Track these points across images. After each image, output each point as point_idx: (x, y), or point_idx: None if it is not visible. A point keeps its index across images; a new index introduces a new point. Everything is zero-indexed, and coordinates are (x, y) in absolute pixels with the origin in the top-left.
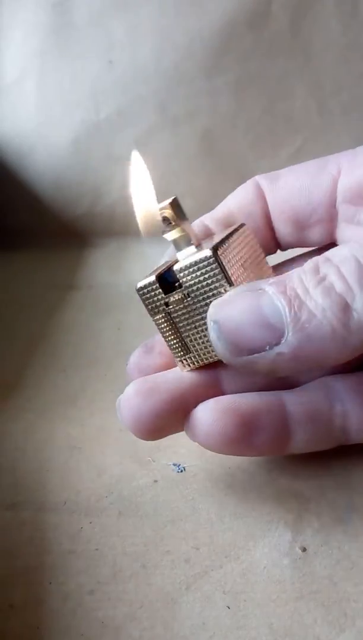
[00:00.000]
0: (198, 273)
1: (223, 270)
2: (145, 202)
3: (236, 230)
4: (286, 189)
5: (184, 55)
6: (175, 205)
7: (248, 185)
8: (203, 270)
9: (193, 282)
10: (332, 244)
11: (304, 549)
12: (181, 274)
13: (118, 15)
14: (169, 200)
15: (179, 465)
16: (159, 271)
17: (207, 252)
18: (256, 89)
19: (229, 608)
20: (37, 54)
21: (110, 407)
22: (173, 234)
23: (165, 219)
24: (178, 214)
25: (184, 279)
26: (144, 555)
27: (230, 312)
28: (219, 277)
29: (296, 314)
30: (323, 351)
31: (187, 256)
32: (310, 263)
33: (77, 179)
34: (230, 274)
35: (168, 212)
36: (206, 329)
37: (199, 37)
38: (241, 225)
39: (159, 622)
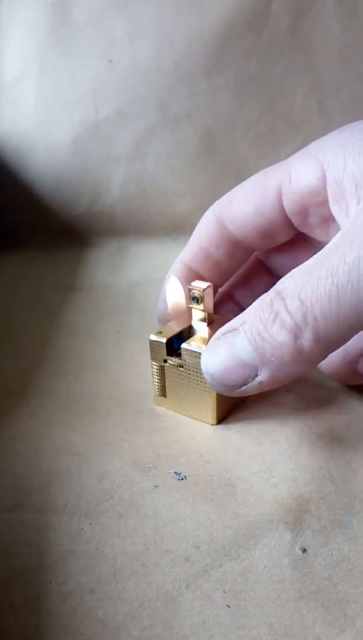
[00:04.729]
0: (195, 359)
1: None
2: (176, 297)
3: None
4: (243, 215)
5: (184, 54)
6: (209, 291)
7: (209, 219)
8: (196, 357)
9: (190, 361)
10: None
11: (304, 550)
12: (185, 353)
13: (118, 14)
14: (205, 286)
15: (180, 474)
16: (171, 335)
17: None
18: (256, 89)
19: (229, 607)
20: (36, 53)
21: (110, 414)
22: (196, 311)
23: (194, 297)
24: (206, 298)
25: (184, 356)
26: (144, 554)
27: (215, 363)
28: None
29: (262, 352)
30: (292, 371)
31: (197, 336)
32: (266, 298)
33: (77, 178)
34: None
35: (199, 293)
36: (183, 392)
37: (200, 36)
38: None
39: (159, 621)
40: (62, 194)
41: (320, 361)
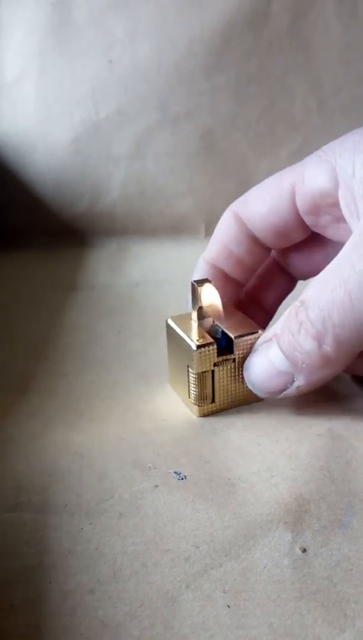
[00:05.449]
0: (248, 346)
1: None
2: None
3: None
4: (259, 214)
5: (184, 54)
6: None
7: (229, 218)
8: (250, 343)
9: (244, 349)
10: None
11: (304, 550)
12: (241, 344)
13: (118, 14)
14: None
15: (181, 473)
16: (211, 337)
17: (260, 332)
18: (256, 89)
19: (229, 607)
20: (36, 53)
21: (110, 413)
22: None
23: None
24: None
25: (239, 348)
26: (144, 554)
27: (256, 373)
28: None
29: (294, 360)
30: (324, 375)
31: (231, 331)
32: (292, 310)
33: (77, 178)
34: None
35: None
36: (235, 385)
37: (200, 36)
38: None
39: (159, 621)
40: (62, 194)
41: (348, 363)
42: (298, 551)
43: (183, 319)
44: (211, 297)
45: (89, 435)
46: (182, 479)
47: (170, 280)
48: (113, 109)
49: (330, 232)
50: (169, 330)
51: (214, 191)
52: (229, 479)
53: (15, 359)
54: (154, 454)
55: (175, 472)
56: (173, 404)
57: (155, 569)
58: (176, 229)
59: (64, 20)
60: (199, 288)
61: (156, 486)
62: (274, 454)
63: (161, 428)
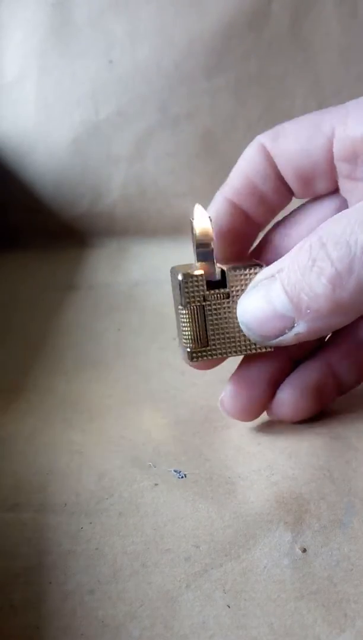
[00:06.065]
0: (247, 279)
1: None
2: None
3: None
4: (288, 151)
5: (184, 54)
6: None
7: (254, 149)
8: (251, 276)
9: (239, 285)
10: (337, 191)
11: (304, 550)
12: (233, 278)
13: (118, 14)
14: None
15: (180, 472)
16: (200, 270)
17: (258, 264)
18: (256, 89)
19: (229, 607)
20: (36, 53)
21: (110, 412)
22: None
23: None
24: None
25: (232, 282)
26: (144, 553)
27: (251, 313)
28: None
29: (298, 303)
30: (330, 323)
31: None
32: (305, 244)
33: (77, 178)
34: None
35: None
36: (232, 329)
37: (200, 36)
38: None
39: (159, 621)
40: (62, 195)
41: (359, 315)
42: (298, 551)
43: (188, 266)
44: (202, 219)
45: (89, 434)
46: (182, 477)
47: (170, 280)
48: (113, 110)
49: (360, 191)
50: (172, 277)
51: (214, 191)
52: (229, 477)
53: (15, 358)
54: (154, 452)
55: (175, 471)
56: (173, 401)
57: (155, 569)
58: (176, 229)
59: (64, 21)
60: (192, 220)
61: (156, 485)
62: (274, 453)
63: (160, 426)
